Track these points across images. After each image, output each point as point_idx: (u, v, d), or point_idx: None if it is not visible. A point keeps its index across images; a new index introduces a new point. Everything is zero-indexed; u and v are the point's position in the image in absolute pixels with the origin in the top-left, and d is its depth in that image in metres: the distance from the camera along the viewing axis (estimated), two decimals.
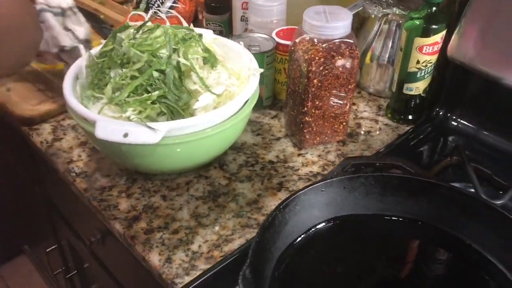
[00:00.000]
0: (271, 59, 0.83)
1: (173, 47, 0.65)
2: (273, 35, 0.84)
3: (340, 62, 0.70)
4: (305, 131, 0.76)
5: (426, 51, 0.76)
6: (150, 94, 0.61)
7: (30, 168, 1.05)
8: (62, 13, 0.78)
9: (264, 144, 0.79)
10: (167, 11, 0.90)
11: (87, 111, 0.61)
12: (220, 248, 0.62)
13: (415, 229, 0.59)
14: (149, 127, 0.57)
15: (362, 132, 0.82)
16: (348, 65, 0.71)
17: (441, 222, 0.58)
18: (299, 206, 0.55)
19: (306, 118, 0.74)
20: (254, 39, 0.84)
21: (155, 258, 0.60)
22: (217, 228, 0.65)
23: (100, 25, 1.08)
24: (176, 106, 0.62)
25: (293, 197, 0.54)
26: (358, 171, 0.61)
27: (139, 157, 0.64)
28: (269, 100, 0.88)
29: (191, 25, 0.75)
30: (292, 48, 0.73)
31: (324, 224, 0.58)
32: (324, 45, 0.69)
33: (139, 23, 0.73)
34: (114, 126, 0.57)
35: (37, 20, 0.73)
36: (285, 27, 0.87)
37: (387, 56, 0.87)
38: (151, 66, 0.62)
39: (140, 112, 0.61)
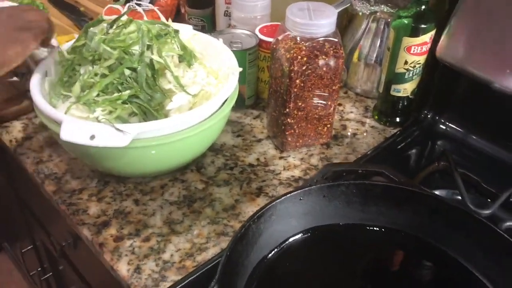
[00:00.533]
0: (254, 57, 0.79)
1: (147, 43, 0.61)
2: (257, 31, 0.81)
3: (323, 61, 0.66)
4: (287, 133, 0.72)
5: (415, 51, 0.72)
6: (120, 93, 0.57)
7: (1, 167, 1.01)
8: None
9: (245, 146, 0.76)
10: (146, 4, 0.86)
11: (53, 110, 0.57)
12: (193, 257, 0.59)
13: (397, 240, 0.56)
14: (117, 129, 0.53)
15: (348, 134, 0.79)
16: (332, 64, 0.67)
17: (425, 233, 0.55)
18: (275, 216, 0.52)
19: (288, 119, 0.71)
20: (237, 35, 0.81)
21: (123, 268, 0.57)
22: (191, 235, 0.61)
23: (80, 18, 1.04)
24: (149, 107, 0.58)
25: (268, 206, 0.51)
26: (339, 178, 0.58)
27: (110, 160, 0.61)
28: (251, 99, 0.84)
29: (170, 20, 0.71)
30: (274, 46, 0.69)
31: (301, 235, 0.55)
32: (307, 44, 0.65)
33: (113, 17, 0.69)
34: (80, 127, 0.54)
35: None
36: (269, 24, 0.83)
37: (375, 55, 0.84)
38: (122, 64, 0.58)
39: (110, 112, 0.57)
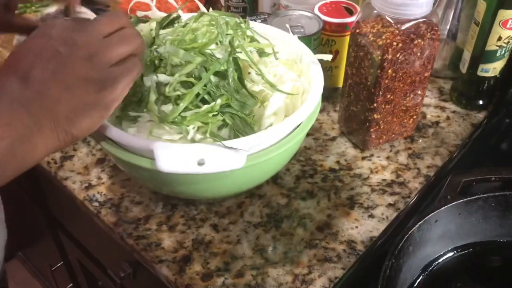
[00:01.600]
0: (318, 43, 0.69)
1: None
2: (316, 11, 0.70)
3: (419, 46, 0.56)
4: (371, 130, 0.63)
5: (511, 26, 0.63)
6: (212, 104, 0.47)
7: (28, 187, 0.89)
8: None
9: (319, 147, 0.66)
10: None
11: (140, 139, 0.46)
12: None
13: None
14: (227, 147, 0.43)
15: (430, 124, 0.70)
16: (428, 50, 0.57)
17: None
18: (412, 246, 0.43)
19: (375, 115, 0.61)
20: (294, 18, 0.70)
21: None
22: (289, 265, 0.52)
23: (93, 7, 0.91)
24: (244, 115, 0.48)
25: (406, 236, 0.42)
26: (471, 189, 0.49)
27: (198, 184, 0.50)
28: None
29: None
30: (357, 31, 0.59)
31: (438, 261, 0.46)
32: (403, 28, 0.55)
33: (148, 13, 0.58)
34: (183, 153, 0.43)
35: None
36: (328, 1, 0.72)
37: (447, 29, 0.74)
38: (205, 68, 0.48)
39: (198, 128, 0.47)
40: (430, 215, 0.44)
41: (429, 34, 0.57)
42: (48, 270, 1.04)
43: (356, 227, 0.56)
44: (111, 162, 0.64)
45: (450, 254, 0.47)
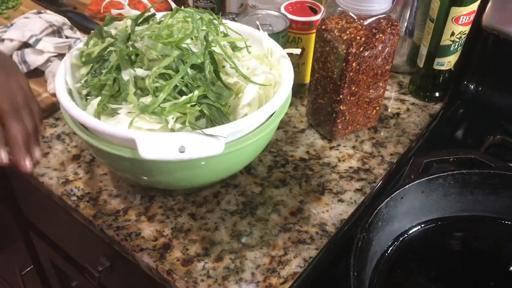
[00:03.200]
0: (285, 40, 0.72)
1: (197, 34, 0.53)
2: (283, 10, 0.73)
3: (381, 41, 0.61)
4: (338, 121, 0.67)
5: (463, 22, 0.68)
6: (190, 95, 0.49)
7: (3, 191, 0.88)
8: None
9: (289, 139, 0.69)
10: None
11: (121, 129, 0.47)
12: (277, 273, 0.53)
13: (497, 226, 0.52)
14: (207, 134, 0.46)
15: (391, 115, 0.74)
16: (389, 44, 0.62)
17: None
18: (381, 221, 0.47)
19: (341, 107, 0.65)
20: (263, 17, 0.73)
21: None
22: (265, 248, 0.55)
23: (61, 9, 0.92)
24: (220, 105, 0.50)
25: (375, 212, 0.46)
26: (431, 169, 0.53)
27: (177, 172, 0.52)
28: None
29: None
30: (323, 27, 0.62)
31: (404, 235, 0.50)
32: (366, 23, 0.59)
33: (121, 11, 0.60)
34: (164, 141, 0.45)
35: None
36: (293, 0, 0.76)
37: (404, 26, 0.79)
38: (182, 61, 0.50)
39: (177, 119, 0.49)
40: (396, 192, 0.48)
41: (389, 29, 0.61)
42: (17, 276, 1.03)
43: (327, 210, 0.59)
44: (87, 158, 0.65)
45: (416, 228, 0.51)
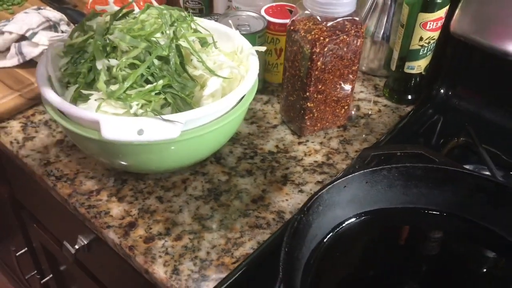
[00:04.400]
0: (263, 40, 0.76)
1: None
2: (263, 13, 0.78)
3: (345, 42, 0.64)
4: (306, 117, 0.70)
5: (430, 27, 0.71)
6: (154, 84, 0.53)
7: None
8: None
9: (261, 133, 0.73)
10: None
11: (87, 112, 0.52)
12: (231, 253, 0.56)
13: (440, 220, 0.55)
14: (165, 120, 0.50)
15: (362, 115, 0.77)
16: (353, 45, 0.65)
17: (468, 212, 0.55)
18: (322, 206, 0.50)
19: (308, 103, 0.69)
20: (242, 18, 0.77)
21: (160, 270, 0.54)
22: (223, 230, 0.59)
23: (62, 5, 0.97)
24: (184, 95, 0.55)
25: (316, 197, 0.49)
26: (379, 162, 0.56)
27: (142, 155, 0.57)
28: (259, 84, 0.81)
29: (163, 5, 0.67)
30: (292, 28, 0.66)
31: (347, 222, 0.53)
32: (329, 24, 0.63)
33: (105, 7, 0.65)
34: (125, 124, 0.50)
35: None
36: (273, 4, 0.80)
37: (381, 32, 0.82)
38: (150, 53, 0.54)
39: (143, 105, 0.53)
40: (339, 180, 0.51)
41: (353, 31, 0.64)
42: (12, 257, 1.08)
43: (287, 200, 0.63)
44: (70, 143, 0.70)
45: (359, 217, 0.54)
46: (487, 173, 0.64)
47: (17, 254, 1.05)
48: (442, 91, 0.79)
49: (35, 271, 1.09)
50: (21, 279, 1.15)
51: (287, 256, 0.43)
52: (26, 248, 1.05)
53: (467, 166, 0.68)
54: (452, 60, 0.77)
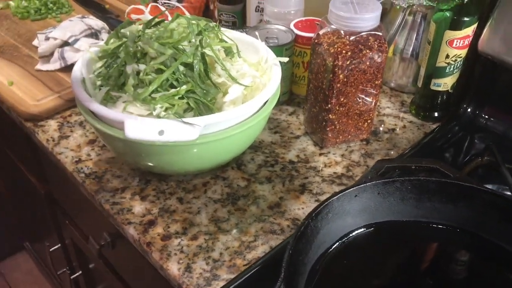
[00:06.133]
0: (290, 52, 0.78)
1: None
2: (292, 26, 0.80)
3: (368, 56, 0.65)
4: (327, 129, 0.71)
5: (457, 45, 0.71)
6: (178, 88, 0.56)
7: (32, 165, 1.00)
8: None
9: (283, 143, 0.75)
10: (173, 3, 0.85)
11: (112, 111, 0.56)
12: (243, 255, 0.58)
13: (453, 236, 0.55)
14: (185, 122, 0.53)
15: (386, 130, 0.78)
16: (376, 59, 0.66)
17: (481, 229, 0.54)
18: (331, 213, 0.51)
19: (330, 115, 0.70)
20: (272, 31, 0.80)
21: (173, 267, 0.56)
22: (238, 233, 0.60)
23: (106, 15, 1.03)
24: (206, 101, 0.57)
25: (325, 203, 0.50)
26: (393, 174, 0.57)
27: (171, 155, 0.60)
28: (286, 95, 0.83)
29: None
30: (316, 41, 0.68)
31: (357, 232, 0.54)
32: (351, 38, 0.64)
33: (142, 16, 0.69)
34: (147, 124, 0.53)
35: None
36: (303, 18, 0.82)
37: (411, 49, 0.83)
38: (176, 59, 0.58)
39: (166, 109, 0.56)
40: (350, 189, 0.52)
41: (376, 45, 0.65)
42: (47, 254, 1.14)
43: (303, 208, 0.64)
44: (101, 143, 0.74)
45: (370, 228, 0.54)
46: (509, 193, 0.63)
47: (50, 250, 1.10)
48: (469, 109, 0.78)
49: (67, 267, 1.14)
50: (53, 275, 1.21)
51: (291, 258, 0.45)
52: (59, 244, 1.10)
53: (489, 186, 0.67)
54: (480, 79, 0.76)
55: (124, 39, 0.65)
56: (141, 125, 0.53)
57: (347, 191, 0.52)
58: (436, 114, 0.80)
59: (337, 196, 0.51)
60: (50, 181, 0.96)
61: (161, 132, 0.53)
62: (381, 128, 0.78)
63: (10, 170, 1.18)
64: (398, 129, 0.78)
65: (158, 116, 0.56)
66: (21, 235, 1.55)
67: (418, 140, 0.75)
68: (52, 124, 0.78)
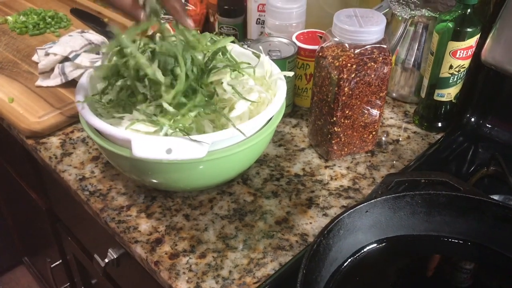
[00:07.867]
0: (293, 65, 0.78)
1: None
2: (294, 39, 0.80)
3: (373, 69, 0.65)
4: (333, 142, 0.71)
5: (460, 56, 0.71)
6: (190, 103, 0.56)
7: (33, 181, 0.99)
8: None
9: (288, 156, 0.74)
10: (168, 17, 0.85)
11: (119, 130, 0.55)
12: (253, 273, 0.57)
13: (464, 249, 0.55)
14: (193, 140, 0.52)
15: (391, 141, 0.78)
16: (381, 72, 0.66)
17: (492, 242, 0.54)
18: (343, 230, 0.51)
19: (335, 128, 0.70)
20: (274, 44, 0.79)
21: (183, 286, 0.56)
22: (246, 250, 0.60)
23: (104, 29, 1.03)
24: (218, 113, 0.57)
25: (336, 220, 0.50)
26: (401, 188, 0.56)
27: (171, 173, 0.59)
28: (289, 107, 0.83)
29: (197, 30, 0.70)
30: (320, 54, 0.68)
31: (368, 247, 0.53)
32: (356, 51, 0.64)
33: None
34: (155, 142, 0.52)
35: None
36: (305, 30, 0.82)
37: (412, 59, 0.83)
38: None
39: (174, 122, 0.56)
40: (361, 205, 0.52)
41: (381, 58, 0.65)
42: (48, 270, 1.12)
43: (311, 223, 0.64)
44: (104, 160, 0.73)
45: (381, 243, 0.54)
46: None
47: (52, 266, 1.09)
48: (473, 119, 0.78)
49: (68, 283, 1.12)
50: None
51: (305, 278, 0.44)
52: (60, 260, 1.08)
53: (496, 196, 0.67)
54: (483, 89, 0.76)
55: (126, 58, 0.64)
56: (149, 143, 0.52)
57: (357, 207, 0.52)
58: (439, 124, 0.79)
59: (348, 213, 0.51)
60: (51, 197, 0.95)
61: (169, 151, 0.52)
62: (385, 139, 0.78)
63: (10, 186, 1.17)
64: (402, 140, 0.78)
65: (165, 134, 0.55)
66: (20, 250, 1.54)
67: (423, 151, 0.75)
68: (54, 141, 0.77)
